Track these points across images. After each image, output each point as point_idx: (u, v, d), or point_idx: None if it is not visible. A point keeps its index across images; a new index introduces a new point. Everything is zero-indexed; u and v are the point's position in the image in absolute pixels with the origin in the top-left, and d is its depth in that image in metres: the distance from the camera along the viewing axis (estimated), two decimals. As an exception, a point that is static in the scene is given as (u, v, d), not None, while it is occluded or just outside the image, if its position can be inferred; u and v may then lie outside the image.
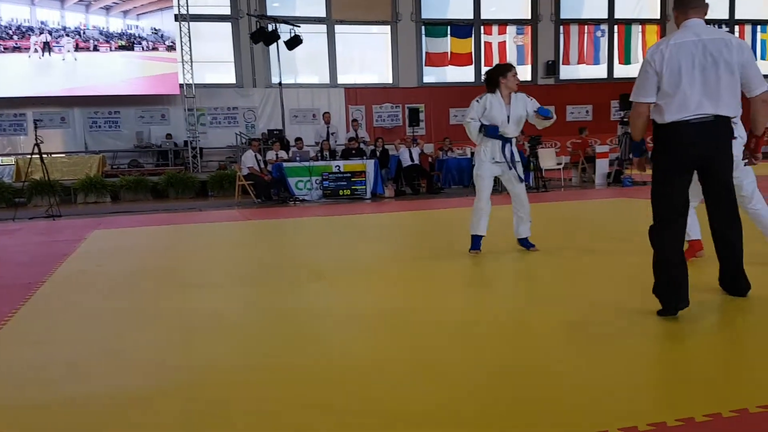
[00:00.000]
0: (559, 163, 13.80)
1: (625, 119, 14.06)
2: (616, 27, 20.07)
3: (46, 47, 15.24)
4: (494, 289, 4.22)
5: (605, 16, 19.97)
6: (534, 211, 5.30)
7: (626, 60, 20.12)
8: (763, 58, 20.73)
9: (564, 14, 19.59)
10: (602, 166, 13.51)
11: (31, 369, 2.74)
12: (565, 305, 3.40)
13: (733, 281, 3.31)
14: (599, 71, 20.16)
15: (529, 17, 19.39)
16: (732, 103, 3.02)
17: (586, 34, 19.85)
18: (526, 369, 2.48)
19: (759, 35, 20.52)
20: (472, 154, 14.91)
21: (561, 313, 3.22)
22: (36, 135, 10.01)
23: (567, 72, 19.90)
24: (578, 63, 19.91)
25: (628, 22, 20.10)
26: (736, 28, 20.21)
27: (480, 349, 2.76)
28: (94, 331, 3.35)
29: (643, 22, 20.24)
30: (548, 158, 13.57)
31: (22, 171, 13.61)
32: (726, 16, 20.23)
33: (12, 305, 3.90)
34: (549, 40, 19.53)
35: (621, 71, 20.04)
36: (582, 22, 19.86)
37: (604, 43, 20.02)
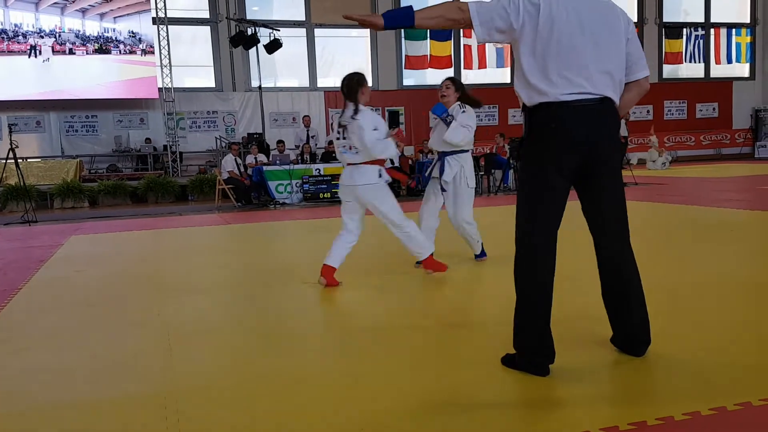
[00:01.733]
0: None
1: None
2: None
3: (33, 50, 14.99)
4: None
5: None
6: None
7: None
8: (738, 60, 21.12)
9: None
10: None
11: (12, 377, 2.71)
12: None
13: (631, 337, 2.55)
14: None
15: (508, 21, 19.54)
16: (618, 83, 2.42)
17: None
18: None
19: (734, 38, 20.91)
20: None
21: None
22: (11, 139, 9.84)
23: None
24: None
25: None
26: (712, 31, 20.57)
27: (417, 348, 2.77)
28: (75, 337, 3.30)
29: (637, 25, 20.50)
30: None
31: (-4, 176, 13.37)
32: (702, 20, 20.58)
33: (-13, 313, 3.83)
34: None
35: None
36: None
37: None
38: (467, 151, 4.61)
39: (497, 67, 19.41)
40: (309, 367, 2.67)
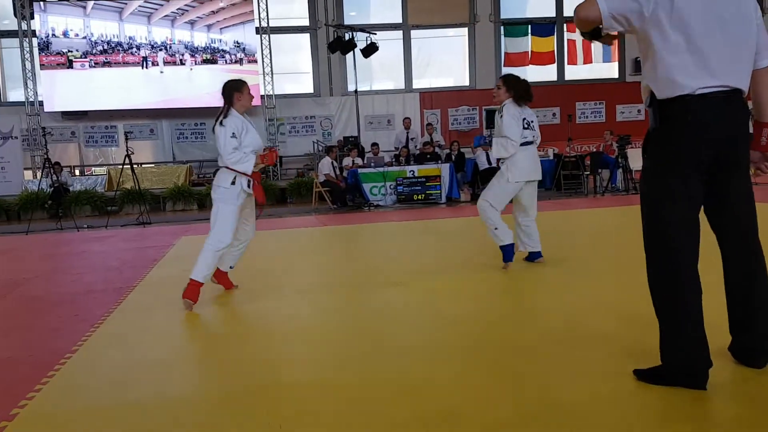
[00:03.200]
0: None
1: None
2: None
3: (145, 62, 16.02)
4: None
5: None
6: (627, 215, 4.93)
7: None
8: None
9: (653, 8, 18.69)
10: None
11: (122, 369, 2.78)
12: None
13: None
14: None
15: (615, 13, 18.62)
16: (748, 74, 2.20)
17: (675, 30, 18.82)
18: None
19: None
20: (555, 155, 14.43)
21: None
22: (127, 146, 10.44)
23: (657, 68, 18.94)
24: (667, 59, 18.91)
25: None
26: None
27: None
28: (182, 333, 3.36)
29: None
30: (639, 159, 12.84)
31: (114, 180, 14.32)
32: None
33: (105, 308, 3.99)
34: (636, 36, 18.68)
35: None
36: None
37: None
38: (529, 143, 4.62)
39: (604, 61, 18.53)
40: (411, 372, 2.52)
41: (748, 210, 2.24)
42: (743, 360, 2.32)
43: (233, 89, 4.01)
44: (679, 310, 2.14)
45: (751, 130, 2.25)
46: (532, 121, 4.66)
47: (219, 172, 4.02)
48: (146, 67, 16.13)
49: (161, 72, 16.22)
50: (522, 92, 4.56)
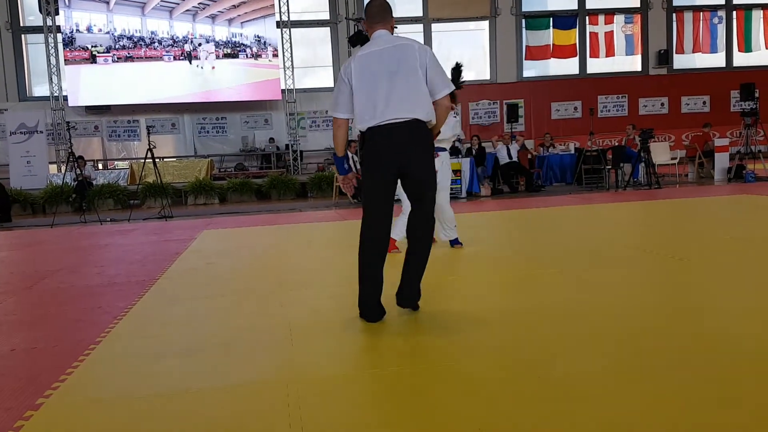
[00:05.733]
0: (673, 158, 12.88)
1: (747, 110, 12.94)
2: (734, 13, 18.58)
3: (168, 56, 16.15)
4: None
5: (722, 1, 18.54)
6: (648, 209, 4.85)
7: (746, 47, 18.56)
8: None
9: (677, 1, 18.39)
10: (722, 160, 12.47)
11: (147, 360, 2.80)
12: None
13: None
14: (717, 60, 18.71)
15: (638, 5, 18.34)
16: (419, 106, 3.02)
17: (701, 21, 18.49)
18: None
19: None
20: (576, 149, 14.28)
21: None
22: (149, 140, 10.54)
23: (681, 61, 18.64)
24: (693, 52, 18.60)
25: (747, 8, 18.55)
26: (734, 13, 18.40)
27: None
28: (204, 325, 3.37)
29: (765, 6, 18.59)
30: (662, 153, 12.69)
31: (136, 174, 14.50)
32: (722, 2, 18.50)
33: (128, 301, 4.03)
34: (660, 29, 18.39)
35: (741, 59, 18.51)
36: (697, 9, 18.54)
37: (721, 30, 18.58)
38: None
39: (626, 54, 18.29)
40: (428, 371, 2.50)
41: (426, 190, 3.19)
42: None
43: None
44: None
45: None
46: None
47: None
48: (169, 62, 16.26)
49: (183, 66, 16.34)
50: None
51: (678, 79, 18.26)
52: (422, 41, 17.57)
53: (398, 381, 2.39)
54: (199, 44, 16.34)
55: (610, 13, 18.20)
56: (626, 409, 1.99)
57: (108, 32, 15.98)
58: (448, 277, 4.49)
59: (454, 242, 5.52)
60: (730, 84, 16.94)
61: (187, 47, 16.27)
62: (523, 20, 17.93)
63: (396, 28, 3.29)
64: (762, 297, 3.38)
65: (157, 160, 10.84)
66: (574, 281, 4.01)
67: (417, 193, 3.16)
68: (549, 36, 17.75)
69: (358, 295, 3.17)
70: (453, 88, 3.18)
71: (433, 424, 1.98)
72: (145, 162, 11.05)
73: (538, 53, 17.80)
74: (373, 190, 3.11)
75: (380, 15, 3.20)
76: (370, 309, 3.15)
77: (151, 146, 10.50)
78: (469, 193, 11.78)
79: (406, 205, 5.14)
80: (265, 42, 16.69)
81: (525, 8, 17.95)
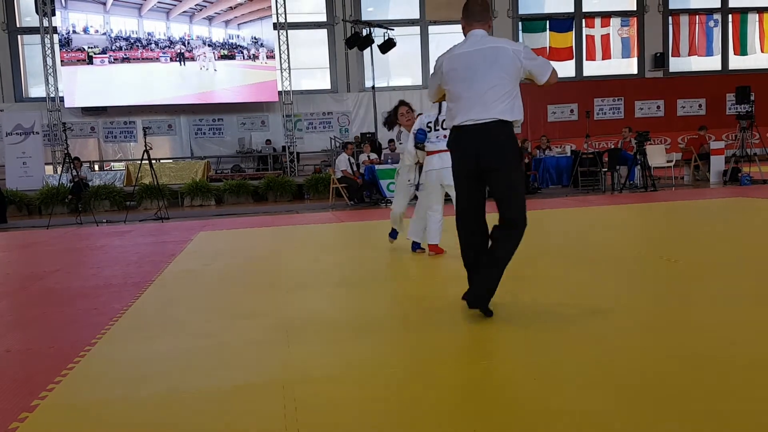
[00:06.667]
0: (669, 161, 12.92)
1: (742, 113, 12.99)
2: (730, 16, 18.69)
3: (164, 58, 16.14)
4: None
5: (717, 5, 18.63)
6: (645, 212, 4.87)
7: (742, 51, 18.66)
8: None
9: (673, 4, 18.51)
10: (717, 163, 12.53)
11: (142, 362, 2.80)
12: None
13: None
14: (713, 63, 18.80)
15: (635, 8, 18.43)
16: (501, 107, 3.11)
17: (697, 25, 18.59)
18: None
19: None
20: (572, 152, 14.30)
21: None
22: (145, 141, 10.52)
23: (677, 64, 18.74)
24: (689, 55, 18.69)
25: (743, 11, 18.64)
26: (730, 16, 18.54)
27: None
28: (200, 326, 3.37)
29: (761, 10, 18.68)
30: (657, 155, 12.72)
31: (132, 176, 14.48)
32: (718, 5, 18.64)
33: (124, 302, 4.02)
34: (656, 32, 18.48)
35: (737, 63, 18.60)
36: (693, 12, 18.63)
37: (717, 33, 18.67)
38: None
39: (623, 57, 18.36)
40: (427, 373, 2.50)
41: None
42: None
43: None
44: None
45: None
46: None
47: (444, 155, 4.74)
48: (165, 63, 16.24)
49: (179, 68, 16.33)
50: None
51: (674, 82, 18.34)
52: (419, 43, 17.79)
53: (394, 382, 2.39)
54: (196, 46, 16.34)
55: (606, 16, 18.27)
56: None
57: (105, 33, 15.97)
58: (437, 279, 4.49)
59: (415, 246, 5.55)
60: (726, 87, 17.01)
61: (184, 49, 16.26)
62: (520, 23, 17.97)
63: (491, 27, 3.37)
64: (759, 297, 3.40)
65: (153, 161, 10.82)
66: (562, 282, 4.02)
67: (497, 192, 3.17)
68: (545, 39, 17.80)
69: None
70: (552, 67, 3.23)
71: (430, 425, 1.98)
72: (141, 163, 11.04)
73: (535, 56, 17.87)
74: (458, 183, 3.26)
75: (481, 14, 3.32)
76: (473, 297, 3.14)
77: (148, 147, 10.48)
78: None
79: (421, 208, 5.35)
80: (262, 44, 16.69)
81: (521, 11, 18.00)
